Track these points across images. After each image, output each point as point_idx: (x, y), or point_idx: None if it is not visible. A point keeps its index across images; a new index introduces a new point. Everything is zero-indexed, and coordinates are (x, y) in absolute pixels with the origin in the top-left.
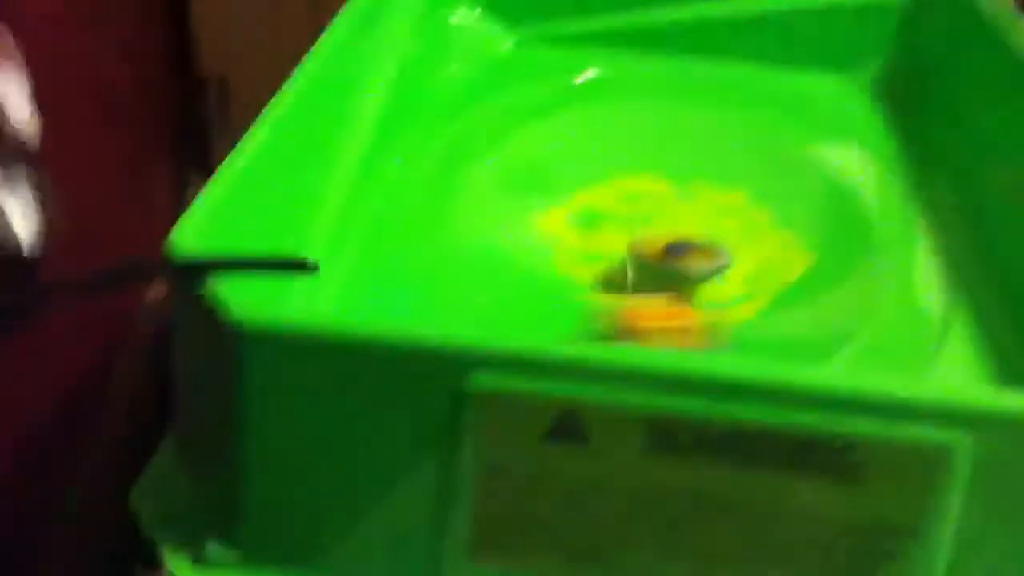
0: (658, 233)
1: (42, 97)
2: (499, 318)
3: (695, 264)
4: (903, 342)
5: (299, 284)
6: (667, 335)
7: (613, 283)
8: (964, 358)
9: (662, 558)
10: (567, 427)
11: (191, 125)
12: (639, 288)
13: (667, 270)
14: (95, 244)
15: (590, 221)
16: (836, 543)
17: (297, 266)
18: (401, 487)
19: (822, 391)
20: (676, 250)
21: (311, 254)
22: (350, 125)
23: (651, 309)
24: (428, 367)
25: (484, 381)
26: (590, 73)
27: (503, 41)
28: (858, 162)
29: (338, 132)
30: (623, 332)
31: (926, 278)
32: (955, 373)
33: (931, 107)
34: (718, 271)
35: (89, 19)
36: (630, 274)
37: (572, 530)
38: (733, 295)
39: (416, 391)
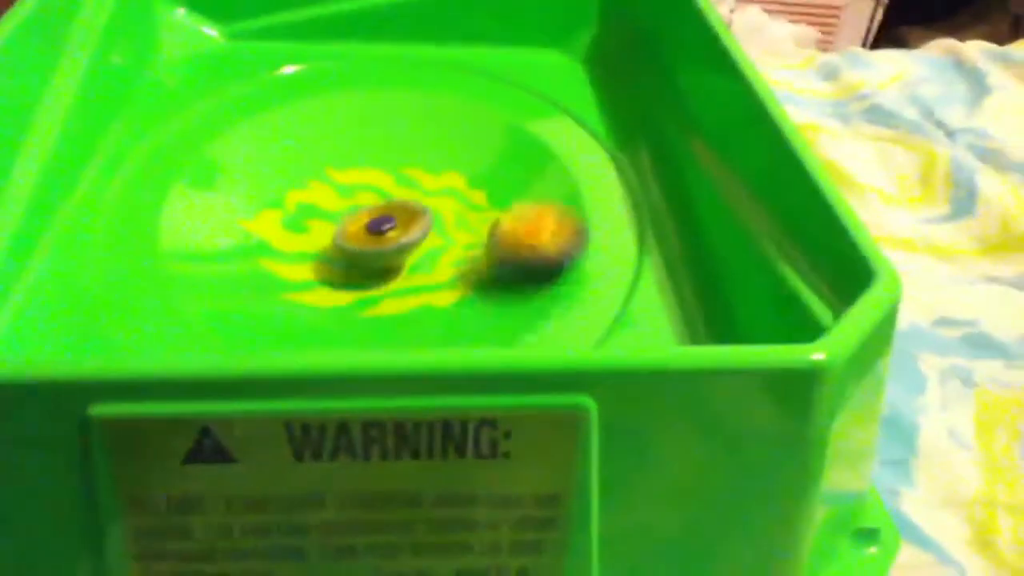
0: (358, 216)
1: None
2: (208, 329)
3: (398, 236)
4: (591, 308)
5: None
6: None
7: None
8: (649, 321)
9: (334, 560)
10: (207, 446)
11: None
12: (352, 273)
13: (373, 250)
14: None
15: (303, 219)
16: (498, 519)
17: None
18: (47, 530)
19: (446, 371)
20: (378, 225)
21: None
22: (30, 133)
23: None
24: (52, 399)
25: (107, 409)
26: (298, 66)
27: (208, 37)
28: (570, 135)
29: (16, 140)
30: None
31: (623, 246)
32: (636, 337)
33: (639, 76)
34: (422, 237)
35: None
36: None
37: (237, 551)
38: (442, 279)
39: (46, 425)
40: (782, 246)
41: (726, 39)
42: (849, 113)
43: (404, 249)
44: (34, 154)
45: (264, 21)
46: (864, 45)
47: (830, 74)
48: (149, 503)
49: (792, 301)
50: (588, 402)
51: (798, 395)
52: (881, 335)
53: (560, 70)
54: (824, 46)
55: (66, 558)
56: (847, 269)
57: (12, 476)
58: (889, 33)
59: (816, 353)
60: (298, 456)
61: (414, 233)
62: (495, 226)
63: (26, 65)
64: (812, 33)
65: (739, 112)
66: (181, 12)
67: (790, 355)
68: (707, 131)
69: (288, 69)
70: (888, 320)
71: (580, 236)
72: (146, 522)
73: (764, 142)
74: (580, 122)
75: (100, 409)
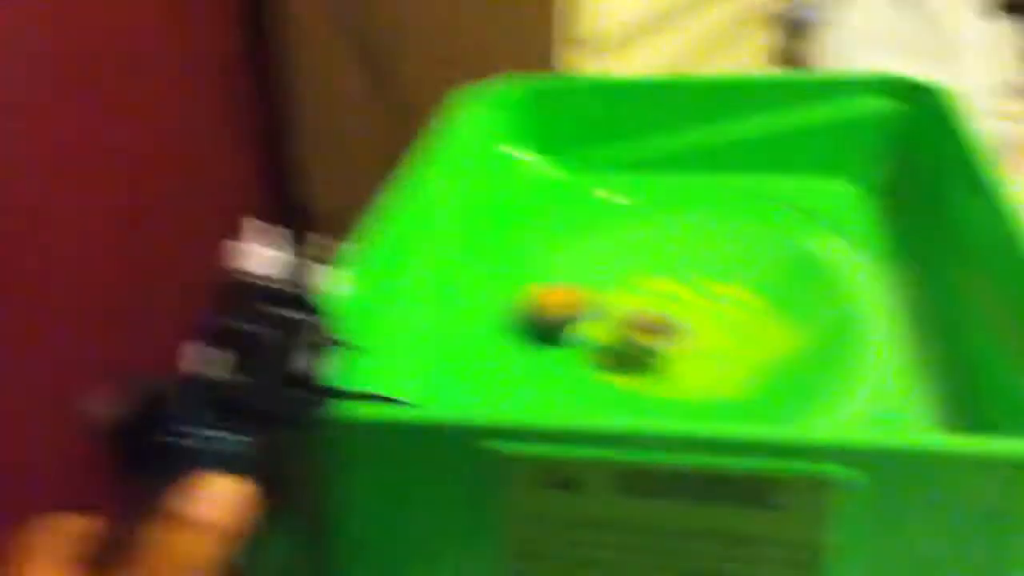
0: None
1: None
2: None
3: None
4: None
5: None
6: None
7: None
8: (914, 410)
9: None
10: (561, 479)
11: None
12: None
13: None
14: None
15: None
16: (766, 556)
17: (398, 402)
18: (455, 533)
19: (743, 441)
20: (646, 326)
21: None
22: (423, 250)
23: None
24: (466, 438)
25: (499, 446)
26: (613, 195)
27: (549, 171)
28: (852, 258)
29: (413, 255)
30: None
31: (891, 349)
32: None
33: (918, 206)
34: (666, 344)
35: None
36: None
37: (580, 556)
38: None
39: (458, 458)
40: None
41: (994, 179)
42: None
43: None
44: (427, 263)
45: (589, 158)
46: None
47: None
48: (527, 516)
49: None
50: (841, 471)
51: None
52: None
53: (846, 198)
54: None
55: (463, 557)
56: None
57: (422, 494)
58: None
59: None
60: (625, 492)
61: (671, 338)
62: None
63: (417, 190)
64: None
65: (1001, 249)
66: (523, 151)
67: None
68: (971, 258)
69: (608, 198)
70: None
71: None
72: (518, 531)
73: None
74: (862, 245)
75: (494, 446)
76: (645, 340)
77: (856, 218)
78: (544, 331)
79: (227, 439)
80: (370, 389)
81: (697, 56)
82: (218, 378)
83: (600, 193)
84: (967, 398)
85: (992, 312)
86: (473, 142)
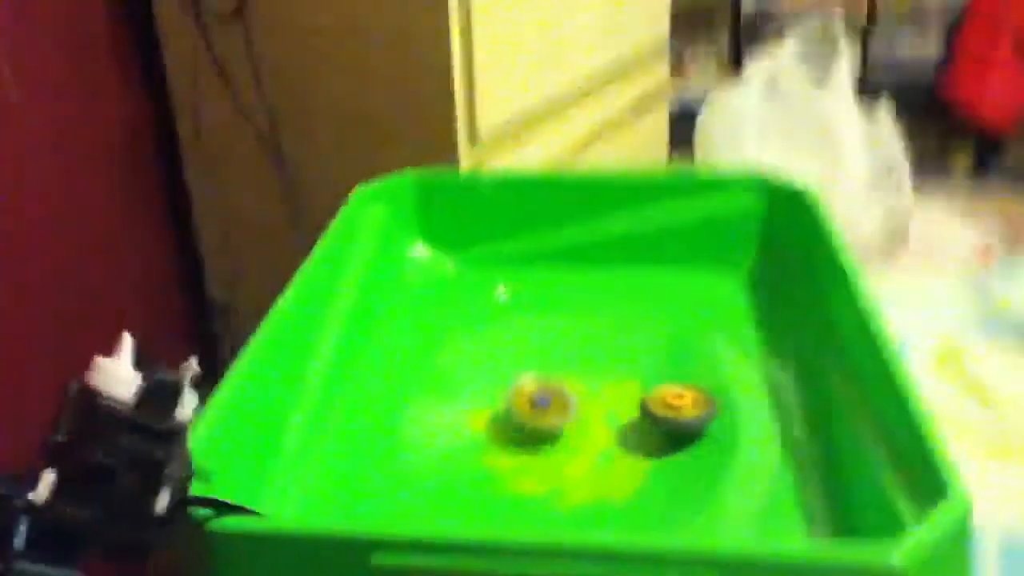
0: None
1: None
2: (437, 505)
3: (559, 414)
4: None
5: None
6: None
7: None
8: (779, 508)
9: None
10: None
11: (202, 346)
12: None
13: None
14: None
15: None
16: None
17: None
18: None
19: (620, 552)
20: (541, 402)
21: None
22: (316, 351)
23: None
24: (343, 550)
25: (385, 559)
26: (507, 289)
27: (446, 266)
28: (727, 346)
29: (306, 357)
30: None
31: (765, 441)
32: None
33: (790, 299)
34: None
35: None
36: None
37: None
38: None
39: (337, 569)
40: (883, 455)
41: (857, 280)
42: (998, 329)
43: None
44: (318, 366)
45: (484, 251)
46: None
47: (980, 288)
48: None
49: (884, 504)
50: None
51: None
52: (955, 547)
53: (723, 290)
54: (1011, 247)
55: None
56: (927, 484)
57: None
58: None
59: (890, 556)
60: None
61: (569, 414)
62: (645, 399)
63: (317, 292)
64: (991, 234)
65: (861, 342)
66: (420, 245)
67: (862, 555)
68: (837, 352)
69: (502, 291)
70: (958, 533)
71: (711, 407)
72: None
73: (877, 368)
74: (738, 335)
75: (379, 559)
76: (543, 419)
77: (734, 311)
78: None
79: (48, 572)
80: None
81: (593, 144)
82: (52, 506)
83: (492, 287)
84: (837, 496)
85: (856, 407)
86: (370, 238)
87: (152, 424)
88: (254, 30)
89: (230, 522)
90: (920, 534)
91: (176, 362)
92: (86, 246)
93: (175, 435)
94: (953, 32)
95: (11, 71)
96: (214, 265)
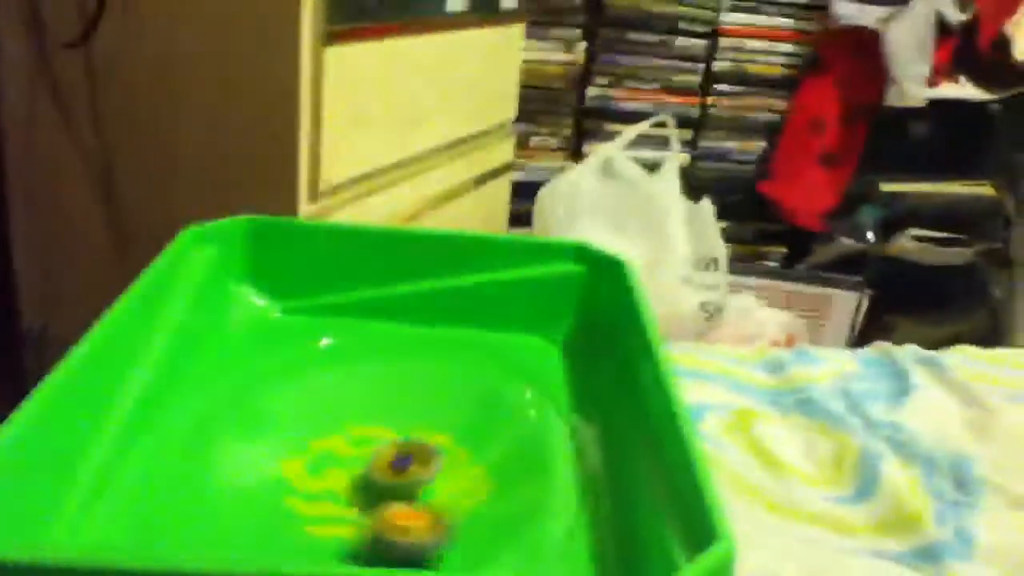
0: (383, 454)
1: None
2: (238, 546)
3: (417, 474)
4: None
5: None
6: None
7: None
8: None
9: None
10: None
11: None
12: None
13: (395, 483)
14: None
15: (323, 464)
16: None
17: None
18: None
19: None
20: (401, 463)
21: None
22: (124, 386)
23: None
24: None
25: None
26: (330, 339)
27: (272, 312)
28: (539, 405)
29: (111, 393)
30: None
31: (566, 497)
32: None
33: (598, 362)
34: (435, 474)
35: None
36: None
37: None
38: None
39: None
40: (667, 504)
41: (658, 347)
42: (786, 403)
43: (426, 481)
44: (124, 402)
45: (311, 301)
46: (852, 331)
47: (776, 367)
48: None
49: (664, 549)
50: None
51: None
52: None
53: (539, 352)
54: (813, 333)
55: None
56: (699, 531)
57: None
58: (879, 322)
59: None
60: None
61: (432, 471)
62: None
63: (132, 325)
64: (797, 321)
65: (656, 404)
66: (247, 290)
67: None
68: (636, 412)
69: (325, 341)
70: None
71: (445, 533)
72: None
73: (667, 426)
74: (549, 395)
75: None
76: (402, 476)
77: (548, 372)
78: None
79: None
80: None
81: (434, 205)
82: None
83: (316, 336)
84: (626, 543)
85: (648, 461)
86: (194, 277)
87: None
88: (98, 60)
89: None
90: (687, 574)
91: None
92: None
93: None
94: (773, 137)
95: None
96: (30, 294)
